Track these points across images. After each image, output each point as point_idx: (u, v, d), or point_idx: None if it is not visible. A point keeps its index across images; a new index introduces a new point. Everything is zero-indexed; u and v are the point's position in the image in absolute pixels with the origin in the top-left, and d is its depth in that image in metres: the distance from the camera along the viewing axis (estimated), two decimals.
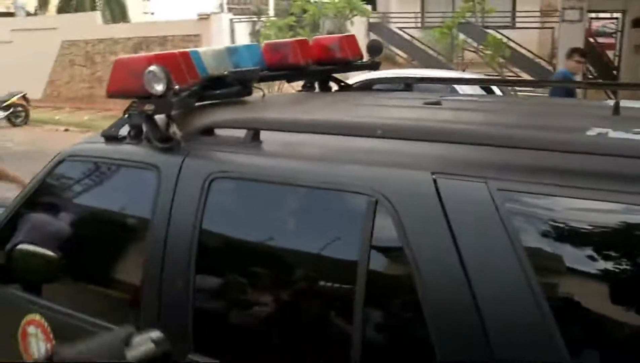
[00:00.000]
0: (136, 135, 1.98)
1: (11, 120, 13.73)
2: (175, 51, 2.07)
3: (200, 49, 2.26)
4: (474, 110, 2.02)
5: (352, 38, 2.85)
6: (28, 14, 21.51)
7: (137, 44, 15.86)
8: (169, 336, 1.65)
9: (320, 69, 2.70)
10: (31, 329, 2.13)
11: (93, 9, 20.18)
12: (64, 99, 17.10)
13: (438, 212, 1.29)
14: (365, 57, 2.86)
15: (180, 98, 1.84)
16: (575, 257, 1.22)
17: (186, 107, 1.89)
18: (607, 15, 14.43)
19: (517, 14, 14.85)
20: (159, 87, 1.76)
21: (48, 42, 17.23)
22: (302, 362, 1.56)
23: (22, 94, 13.88)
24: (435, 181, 1.33)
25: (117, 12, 21.16)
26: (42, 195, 2.19)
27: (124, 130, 2.04)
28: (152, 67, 1.75)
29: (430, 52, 13.20)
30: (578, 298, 1.24)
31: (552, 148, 1.28)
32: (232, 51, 2.38)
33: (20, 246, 1.98)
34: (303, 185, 1.55)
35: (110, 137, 2.05)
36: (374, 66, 2.89)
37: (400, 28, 13.94)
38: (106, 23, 18.63)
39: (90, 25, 17.08)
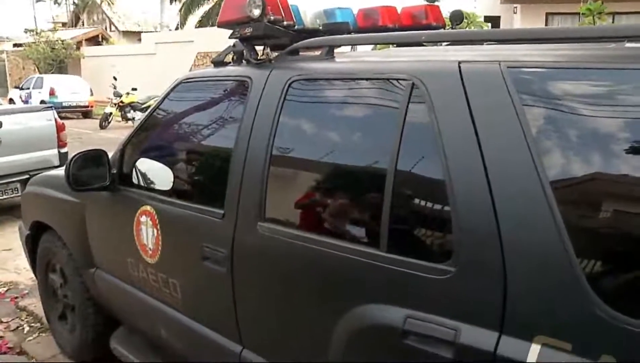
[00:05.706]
0: (238, 59, 2.44)
1: None
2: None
3: (300, 8, 2.72)
4: None
5: (436, 8, 3.16)
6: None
7: None
8: (246, 207, 2.07)
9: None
10: (143, 218, 2.63)
11: None
12: None
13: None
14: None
15: (273, 24, 2.26)
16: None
17: (276, 33, 2.30)
18: None
19: None
20: (256, 12, 2.19)
21: (185, 53, 18.96)
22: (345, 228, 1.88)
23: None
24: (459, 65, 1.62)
25: None
26: (164, 109, 2.73)
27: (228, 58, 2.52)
28: None
29: None
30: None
31: None
32: (328, 13, 2.81)
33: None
34: (361, 78, 1.90)
35: (218, 63, 2.54)
36: None
37: None
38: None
39: (221, 38, 18.55)
